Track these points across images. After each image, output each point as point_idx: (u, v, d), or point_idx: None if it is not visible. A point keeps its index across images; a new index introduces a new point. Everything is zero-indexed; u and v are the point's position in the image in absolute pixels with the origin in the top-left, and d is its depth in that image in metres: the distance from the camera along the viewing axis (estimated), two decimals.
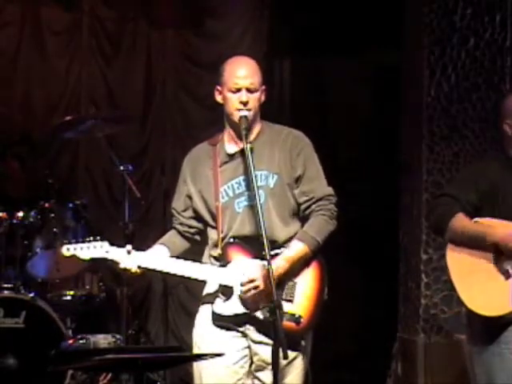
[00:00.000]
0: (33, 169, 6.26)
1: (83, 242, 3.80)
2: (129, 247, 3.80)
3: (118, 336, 5.68)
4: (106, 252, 3.78)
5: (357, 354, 6.67)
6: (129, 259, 3.77)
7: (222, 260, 3.80)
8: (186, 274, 3.79)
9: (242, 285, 3.72)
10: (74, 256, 3.81)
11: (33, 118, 6.81)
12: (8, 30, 6.76)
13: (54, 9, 6.81)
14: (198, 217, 3.92)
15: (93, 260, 3.86)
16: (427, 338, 5.85)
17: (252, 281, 3.69)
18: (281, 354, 3.33)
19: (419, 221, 5.83)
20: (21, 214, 5.70)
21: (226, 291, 3.78)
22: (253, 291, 3.68)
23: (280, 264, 3.70)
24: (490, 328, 3.91)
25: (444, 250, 5.74)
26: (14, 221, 5.68)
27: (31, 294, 5.57)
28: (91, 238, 3.81)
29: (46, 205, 5.82)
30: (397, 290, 6.13)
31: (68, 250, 3.80)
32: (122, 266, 3.78)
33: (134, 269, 3.78)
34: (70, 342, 5.51)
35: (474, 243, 3.96)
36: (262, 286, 3.66)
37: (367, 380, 6.42)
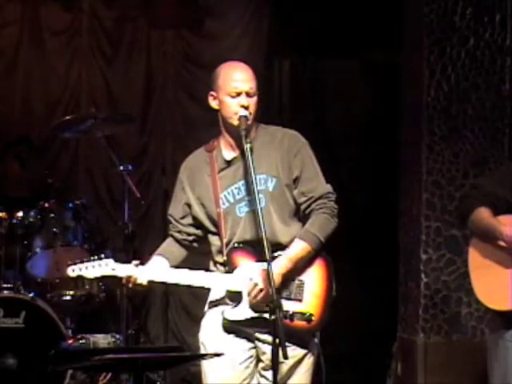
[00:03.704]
0: (33, 169, 6.25)
1: (88, 260, 3.76)
2: (136, 262, 3.77)
3: (117, 336, 5.68)
4: (113, 269, 3.74)
5: (357, 354, 6.67)
6: (138, 274, 3.74)
7: (228, 265, 3.78)
8: (195, 284, 3.76)
9: (248, 293, 3.70)
10: (80, 276, 3.78)
11: (33, 117, 6.81)
12: (8, 30, 6.78)
13: (54, 9, 6.82)
14: (197, 224, 3.89)
15: (98, 278, 3.83)
16: (427, 337, 5.84)
17: (256, 286, 3.67)
18: (281, 354, 3.33)
19: (419, 221, 5.83)
20: (21, 213, 5.70)
21: (234, 297, 3.76)
22: (259, 295, 3.67)
23: (283, 263, 3.70)
24: (506, 322, 3.91)
25: (443, 250, 5.81)
26: (14, 221, 5.68)
27: (31, 294, 5.56)
28: (95, 257, 3.77)
29: (46, 205, 5.82)
30: (397, 290, 6.13)
31: (73, 270, 3.76)
32: (132, 280, 3.73)
33: (144, 283, 3.75)
34: (70, 341, 5.51)
35: (487, 238, 3.95)
36: (264, 288, 3.64)
37: (367, 380, 6.42)
